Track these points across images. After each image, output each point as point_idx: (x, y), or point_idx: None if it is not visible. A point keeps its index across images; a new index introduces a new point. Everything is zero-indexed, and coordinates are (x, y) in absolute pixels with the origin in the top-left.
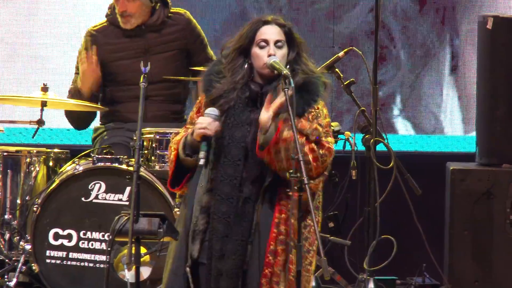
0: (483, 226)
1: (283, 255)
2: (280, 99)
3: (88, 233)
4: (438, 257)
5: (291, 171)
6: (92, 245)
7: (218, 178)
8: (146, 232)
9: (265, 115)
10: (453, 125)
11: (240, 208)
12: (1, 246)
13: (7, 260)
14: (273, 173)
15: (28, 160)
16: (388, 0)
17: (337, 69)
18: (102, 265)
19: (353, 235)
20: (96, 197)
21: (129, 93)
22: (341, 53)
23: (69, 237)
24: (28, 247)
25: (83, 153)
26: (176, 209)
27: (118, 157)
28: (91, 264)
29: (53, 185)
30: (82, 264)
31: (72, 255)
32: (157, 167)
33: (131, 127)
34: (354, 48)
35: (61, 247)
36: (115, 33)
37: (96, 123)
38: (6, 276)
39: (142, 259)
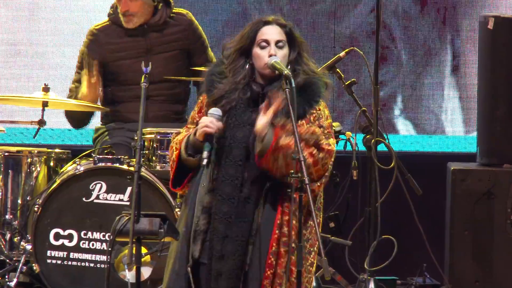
0: (484, 226)
1: (286, 257)
2: (275, 104)
3: (89, 233)
4: (438, 257)
5: (292, 171)
6: (93, 245)
7: (219, 178)
8: (147, 232)
9: (261, 122)
10: (454, 125)
11: (241, 208)
12: (2, 246)
13: (8, 260)
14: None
15: (29, 160)
16: (389, 0)
17: (338, 69)
18: (102, 265)
19: (353, 235)
20: (97, 197)
21: (130, 93)
22: (342, 53)
23: (70, 237)
24: (29, 247)
25: (84, 153)
26: (177, 209)
27: (119, 157)
28: (91, 264)
29: (54, 185)
30: (83, 264)
31: (73, 255)
32: (158, 167)
33: (132, 127)
34: (355, 48)
35: (62, 247)
36: (117, 33)
37: (97, 123)
38: (6, 276)
39: (142, 259)
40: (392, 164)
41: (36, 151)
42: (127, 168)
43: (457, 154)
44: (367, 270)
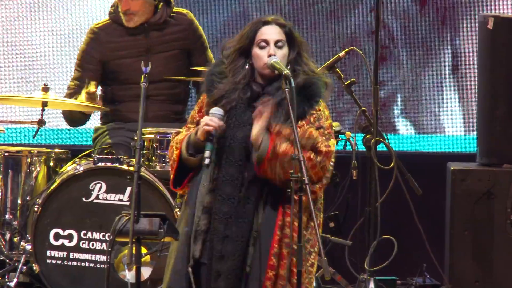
0: (484, 226)
1: (288, 258)
2: (267, 111)
3: (89, 233)
4: (438, 257)
5: (291, 171)
6: (92, 245)
7: (220, 178)
8: (146, 232)
9: (255, 131)
10: (454, 125)
11: (241, 208)
12: (2, 246)
13: (7, 260)
14: None
15: (28, 160)
16: (389, 0)
17: (337, 69)
18: (102, 265)
19: (353, 235)
20: (97, 197)
21: (130, 92)
22: (342, 53)
23: (69, 237)
24: (28, 247)
25: (83, 153)
26: (176, 209)
27: (118, 157)
28: (91, 264)
29: (54, 185)
30: (83, 264)
31: (73, 255)
32: (158, 167)
33: (132, 127)
34: (355, 48)
35: (61, 247)
36: (117, 31)
37: (96, 123)
38: (6, 276)
39: (142, 259)
40: (392, 164)
41: (35, 151)
42: (126, 168)
43: (457, 154)
44: (367, 270)
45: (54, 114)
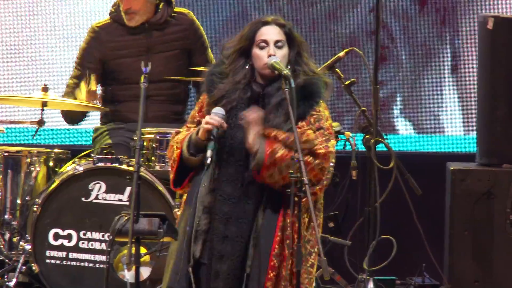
0: (483, 226)
1: (290, 259)
2: (254, 119)
3: (88, 233)
4: (438, 257)
5: (291, 171)
6: (92, 245)
7: (220, 178)
8: (146, 232)
9: (249, 139)
10: (454, 125)
11: (241, 208)
12: (1, 246)
13: (7, 260)
14: None
15: (28, 160)
16: (389, 0)
17: (337, 69)
18: (102, 265)
19: (353, 235)
20: (96, 197)
21: (130, 92)
22: (341, 53)
23: (69, 237)
24: (28, 247)
25: (83, 153)
26: (176, 209)
27: (118, 157)
28: (91, 264)
29: (54, 185)
30: (82, 264)
31: (72, 255)
32: (157, 167)
33: (132, 127)
34: (354, 48)
35: (61, 247)
36: (118, 31)
37: (96, 123)
38: (6, 276)
39: (142, 259)
40: (392, 164)
41: (35, 151)
42: (126, 168)
43: (457, 154)
44: (366, 270)
45: (53, 114)
